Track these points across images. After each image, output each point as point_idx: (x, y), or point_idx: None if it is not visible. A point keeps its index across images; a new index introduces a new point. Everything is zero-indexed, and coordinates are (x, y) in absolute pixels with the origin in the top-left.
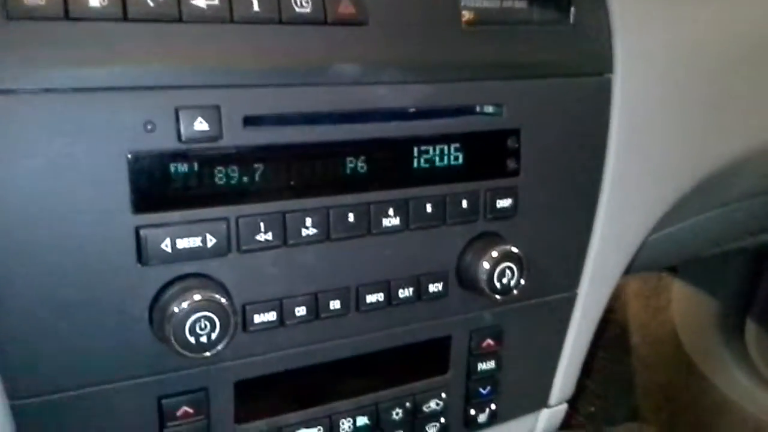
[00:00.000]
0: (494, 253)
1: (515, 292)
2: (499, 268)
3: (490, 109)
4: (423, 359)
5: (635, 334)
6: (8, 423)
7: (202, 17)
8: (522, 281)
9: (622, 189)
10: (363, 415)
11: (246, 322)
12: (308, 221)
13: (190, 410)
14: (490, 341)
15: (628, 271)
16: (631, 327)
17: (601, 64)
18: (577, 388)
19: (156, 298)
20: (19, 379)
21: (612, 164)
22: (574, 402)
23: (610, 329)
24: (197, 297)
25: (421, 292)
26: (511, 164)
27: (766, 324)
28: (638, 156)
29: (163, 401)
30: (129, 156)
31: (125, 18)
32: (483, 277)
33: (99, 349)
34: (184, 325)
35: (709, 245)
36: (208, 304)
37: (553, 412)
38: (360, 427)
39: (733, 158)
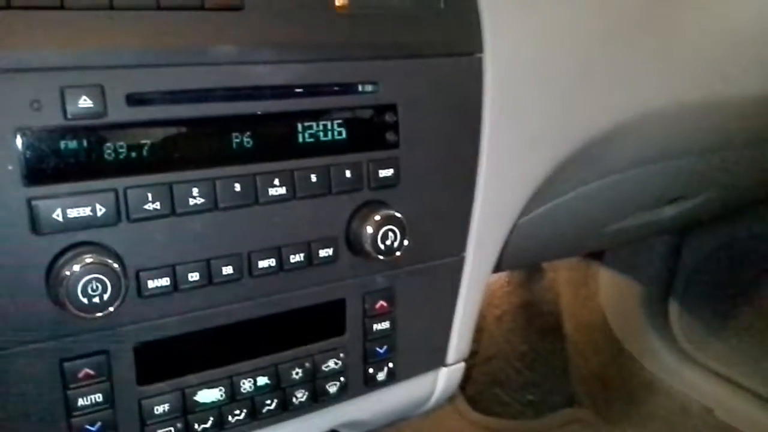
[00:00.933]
0: (377, 218)
1: (399, 253)
2: (381, 231)
3: (368, 87)
4: (320, 322)
5: (568, 322)
6: None
7: (83, 5)
8: (405, 242)
9: (499, 158)
10: (263, 375)
11: (140, 288)
12: (195, 191)
13: (92, 372)
14: (383, 303)
15: (512, 264)
16: (564, 315)
17: (471, 44)
18: (515, 377)
19: (51, 266)
20: None
21: (488, 135)
22: (510, 390)
23: (545, 318)
24: (89, 260)
25: (312, 258)
26: (390, 137)
27: (687, 302)
28: (512, 127)
29: (65, 364)
30: (17, 132)
31: (9, 6)
32: (368, 240)
33: (0, 314)
34: (77, 287)
35: (589, 227)
36: (99, 267)
37: (451, 370)
38: (261, 386)
39: (603, 129)
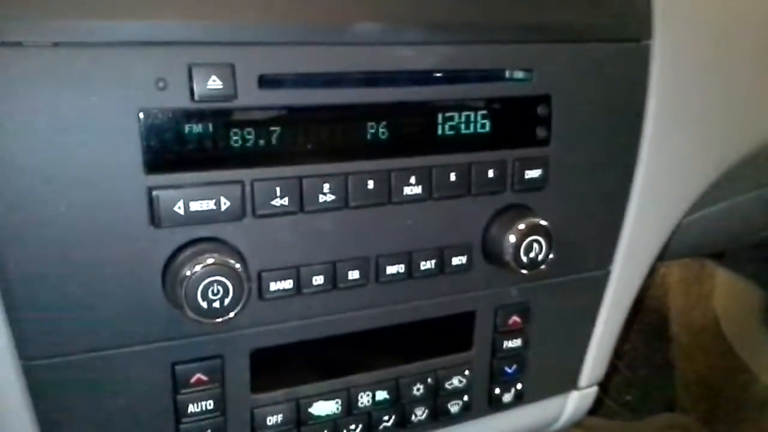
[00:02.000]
0: (521, 226)
1: (543, 267)
2: (526, 242)
3: (519, 74)
4: (446, 335)
5: (676, 322)
6: (16, 380)
7: None
8: (550, 256)
9: (661, 161)
10: (383, 389)
11: (262, 290)
12: (326, 187)
13: (204, 378)
14: (516, 318)
15: (666, 256)
16: (672, 315)
17: (640, 30)
18: (614, 376)
19: (169, 262)
20: (29, 339)
21: (650, 135)
22: (608, 389)
23: (650, 316)
24: (210, 261)
25: (444, 265)
26: (541, 133)
27: None
28: (678, 127)
29: (177, 367)
30: (140, 113)
31: None
32: (509, 250)
33: (111, 312)
34: (197, 289)
35: (750, 229)
36: (221, 269)
37: (583, 394)
38: (379, 401)
39: None
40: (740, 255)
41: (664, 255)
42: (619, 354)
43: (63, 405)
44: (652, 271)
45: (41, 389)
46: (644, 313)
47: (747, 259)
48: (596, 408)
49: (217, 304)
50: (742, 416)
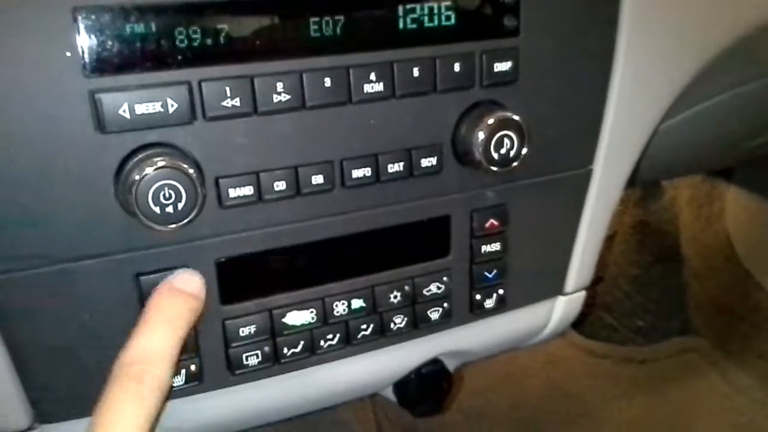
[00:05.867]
0: (490, 121)
1: (516, 164)
2: (496, 137)
3: None
4: (422, 241)
5: (686, 244)
6: None
7: None
8: (524, 151)
9: (641, 49)
10: (358, 297)
11: (221, 197)
12: (279, 86)
13: None
14: (493, 222)
15: (660, 172)
16: (682, 237)
17: None
18: (625, 301)
19: (120, 169)
20: None
21: (627, 22)
22: (620, 315)
23: (661, 239)
24: (160, 164)
25: (413, 168)
26: (509, 22)
27: None
28: (658, 11)
29: (141, 278)
30: (74, 12)
31: None
32: (479, 147)
33: (67, 223)
34: (147, 194)
35: (728, 136)
36: (172, 172)
37: (570, 300)
38: (356, 309)
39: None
40: (750, 172)
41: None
42: (629, 279)
43: (27, 323)
44: (662, 193)
45: (2, 306)
46: (654, 236)
47: (757, 176)
48: (608, 334)
49: (170, 209)
50: (755, 335)
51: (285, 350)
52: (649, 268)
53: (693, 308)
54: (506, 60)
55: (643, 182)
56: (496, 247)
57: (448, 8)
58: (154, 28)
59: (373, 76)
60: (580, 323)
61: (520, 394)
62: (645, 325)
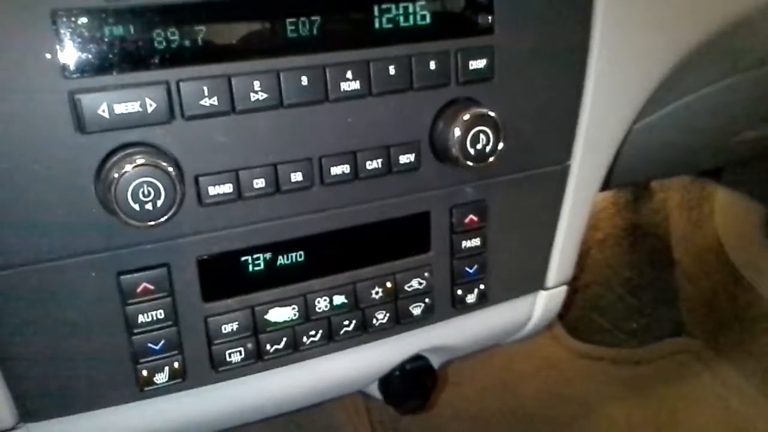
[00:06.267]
0: (466, 117)
1: (492, 159)
2: (472, 133)
3: None
4: (402, 237)
5: (677, 246)
6: None
7: None
8: (499, 146)
9: (615, 45)
10: (340, 294)
11: (201, 195)
12: (256, 85)
13: (151, 287)
14: (473, 217)
15: (651, 173)
16: (673, 239)
17: None
18: (618, 304)
19: (100, 169)
20: None
21: (601, 16)
22: (613, 318)
23: (652, 242)
24: (139, 161)
25: (391, 164)
26: (483, 20)
27: None
28: (634, 6)
29: (122, 277)
30: (53, 15)
31: None
32: (455, 143)
33: (49, 222)
34: (126, 191)
35: (714, 134)
36: (150, 170)
37: (551, 294)
38: (338, 305)
39: (746, 9)
40: (739, 172)
41: (636, 173)
42: (622, 282)
43: (11, 321)
44: (651, 195)
45: None
46: (645, 238)
47: (746, 176)
48: (602, 337)
49: (149, 206)
50: (746, 335)
51: (268, 347)
52: (641, 271)
53: (685, 309)
54: (481, 58)
55: (625, 183)
56: (476, 242)
57: (423, 8)
58: (132, 29)
59: (349, 75)
60: (575, 327)
61: (516, 398)
62: (638, 327)
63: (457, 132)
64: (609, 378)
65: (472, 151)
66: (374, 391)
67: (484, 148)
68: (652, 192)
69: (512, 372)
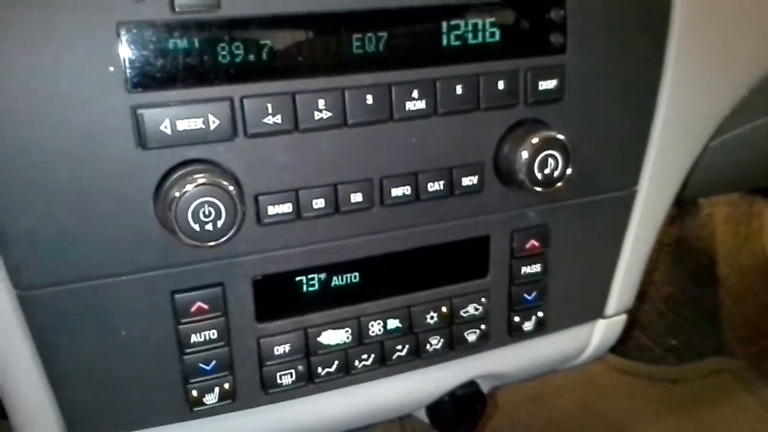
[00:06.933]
0: (534, 140)
1: (560, 184)
2: (540, 157)
3: None
4: (460, 261)
5: (723, 263)
6: (13, 311)
7: None
8: (568, 172)
9: (690, 69)
10: (394, 317)
11: (260, 214)
12: (321, 103)
13: (205, 306)
14: (534, 242)
15: (705, 188)
16: (719, 255)
17: None
18: (659, 320)
19: (160, 185)
20: (22, 268)
21: (677, 38)
22: (653, 334)
23: (696, 258)
24: (201, 180)
25: (453, 186)
26: (555, 39)
27: None
28: (709, 30)
29: (176, 296)
30: (119, 27)
31: None
32: (522, 167)
33: (105, 239)
34: (187, 211)
35: None
36: (212, 189)
37: (611, 323)
38: (391, 330)
39: None
40: None
41: (704, 189)
42: (664, 297)
43: (63, 337)
44: (698, 210)
45: (40, 320)
46: (690, 254)
47: None
48: (641, 353)
49: (209, 227)
50: None
51: (319, 369)
52: (684, 287)
53: (727, 328)
54: (552, 78)
55: (687, 199)
56: (536, 268)
57: (492, 25)
58: (197, 43)
59: (415, 94)
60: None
61: (552, 412)
62: (678, 345)
63: (525, 155)
64: (645, 395)
65: (539, 175)
66: (421, 414)
67: (552, 173)
68: (699, 206)
69: (548, 384)
